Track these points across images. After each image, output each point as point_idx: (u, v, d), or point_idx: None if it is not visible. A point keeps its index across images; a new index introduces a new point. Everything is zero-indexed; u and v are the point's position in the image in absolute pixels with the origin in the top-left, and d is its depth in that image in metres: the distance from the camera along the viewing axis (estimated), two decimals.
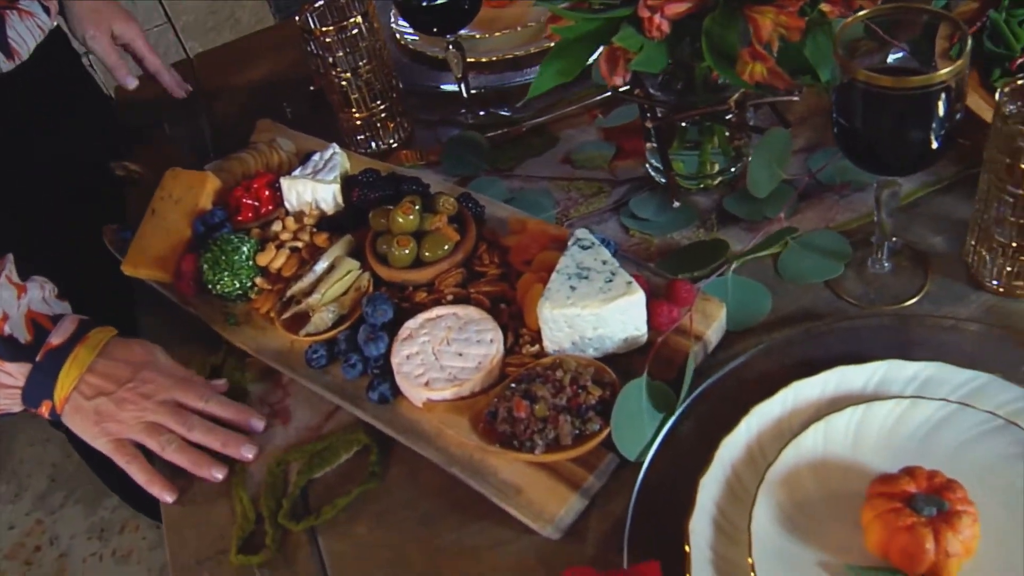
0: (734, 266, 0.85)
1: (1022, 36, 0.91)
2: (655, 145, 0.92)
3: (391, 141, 1.06)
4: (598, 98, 1.05)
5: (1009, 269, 0.79)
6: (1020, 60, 0.89)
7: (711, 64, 0.74)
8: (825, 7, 0.75)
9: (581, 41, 0.77)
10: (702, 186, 0.94)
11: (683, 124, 0.90)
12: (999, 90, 0.72)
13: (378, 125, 1.05)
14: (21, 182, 1.09)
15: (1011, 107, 0.73)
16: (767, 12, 0.72)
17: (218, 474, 0.80)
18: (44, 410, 0.84)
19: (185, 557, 0.76)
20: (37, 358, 0.83)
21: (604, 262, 0.77)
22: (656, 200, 0.93)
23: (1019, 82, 0.72)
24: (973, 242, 0.81)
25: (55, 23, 1.12)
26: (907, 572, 0.62)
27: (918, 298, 0.81)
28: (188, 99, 1.18)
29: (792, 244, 0.86)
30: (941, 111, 0.69)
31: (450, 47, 0.99)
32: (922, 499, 0.62)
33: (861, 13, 0.70)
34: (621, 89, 0.88)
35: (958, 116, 0.70)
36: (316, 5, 0.98)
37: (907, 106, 0.69)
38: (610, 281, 0.75)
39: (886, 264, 0.83)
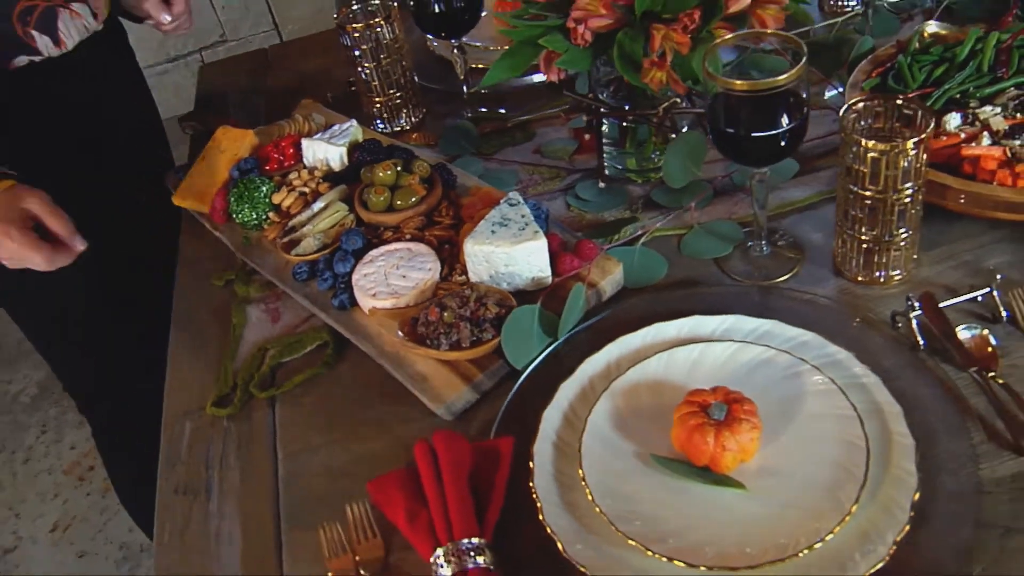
0: (643, 239, 1.04)
1: (919, 78, 1.08)
2: (606, 141, 1.12)
3: (404, 124, 1.29)
4: (566, 106, 1.26)
5: (862, 260, 0.95)
6: (911, 96, 1.06)
7: (619, 69, 0.94)
8: (716, 30, 0.94)
9: (526, 44, 0.98)
10: (649, 179, 1.13)
11: (626, 125, 1.10)
12: (843, 108, 0.90)
13: (393, 110, 1.28)
14: (84, 141, 1.28)
15: (861, 123, 0.91)
16: (661, 29, 0.91)
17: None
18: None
19: (175, 409, 0.99)
20: None
21: (523, 216, 0.97)
22: (597, 190, 1.12)
23: (860, 105, 0.90)
24: (837, 237, 0.98)
25: (102, 27, 1.28)
26: (694, 462, 0.80)
27: (786, 278, 0.99)
28: (252, 79, 1.44)
29: (696, 228, 1.04)
30: (786, 111, 0.87)
31: (455, 50, 1.22)
32: (714, 407, 0.79)
33: (727, 37, 0.89)
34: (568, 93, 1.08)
35: (803, 116, 0.88)
36: (353, 8, 1.22)
37: (759, 106, 0.87)
38: (522, 230, 0.95)
39: (765, 249, 1.00)
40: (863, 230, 0.93)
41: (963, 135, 1.00)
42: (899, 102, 0.90)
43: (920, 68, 1.09)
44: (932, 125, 0.87)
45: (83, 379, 1.48)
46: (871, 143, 0.86)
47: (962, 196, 0.96)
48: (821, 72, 1.20)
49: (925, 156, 0.87)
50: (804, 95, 0.88)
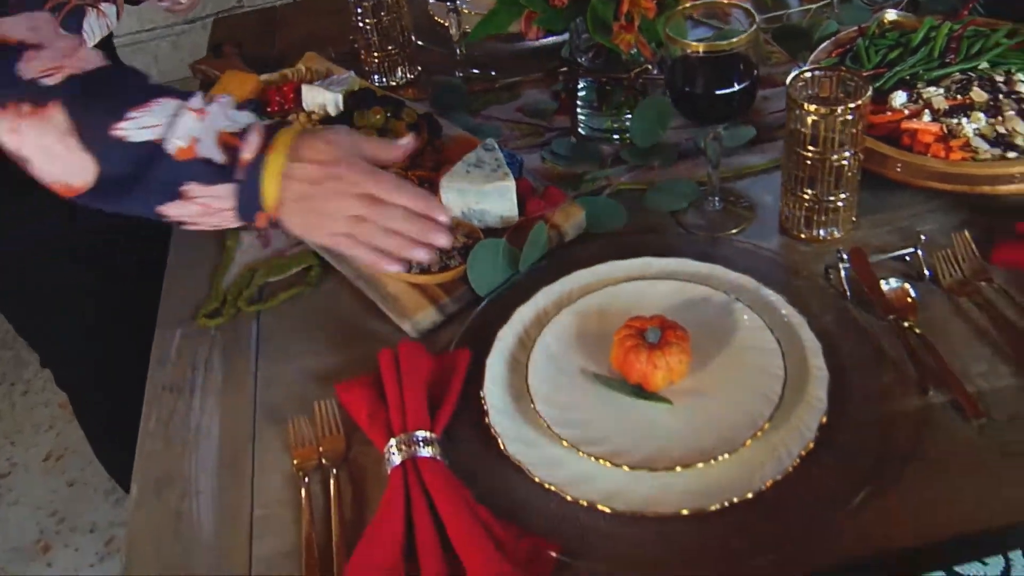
0: (607, 191, 1.13)
1: (874, 60, 1.16)
2: (580, 103, 1.20)
3: (399, 79, 1.38)
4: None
5: (804, 219, 1.04)
6: (866, 75, 1.14)
7: (591, 30, 1.03)
8: None
9: (509, 4, 1.07)
10: (619, 139, 1.22)
11: (601, 88, 1.19)
12: (791, 76, 0.98)
13: (390, 65, 1.37)
14: None
15: (807, 91, 0.99)
16: None
17: (423, 254, 0.93)
18: (263, 221, 0.92)
19: (167, 319, 1.08)
20: (236, 176, 0.89)
21: (496, 160, 1.06)
22: (571, 145, 1.21)
23: (806, 74, 0.98)
24: (783, 197, 1.06)
25: (117, 25, 1.29)
26: (628, 380, 0.88)
27: (735, 232, 1.07)
28: (262, 34, 1.53)
29: (658, 184, 1.13)
30: (738, 73, 0.96)
31: (450, 12, 1.31)
32: (650, 331, 0.88)
33: (688, 5, 0.98)
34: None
35: (754, 78, 0.96)
36: None
37: (714, 68, 0.96)
38: (495, 171, 1.04)
39: (718, 205, 1.09)
40: (805, 190, 1.01)
41: (907, 111, 1.09)
42: (841, 73, 0.98)
43: (876, 51, 1.17)
44: (868, 94, 0.95)
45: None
46: (812, 107, 0.95)
47: (899, 165, 1.04)
48: (789, 53, 1.28)
49: (861, 123, 0.96)
50: (754, 59, 0.96)
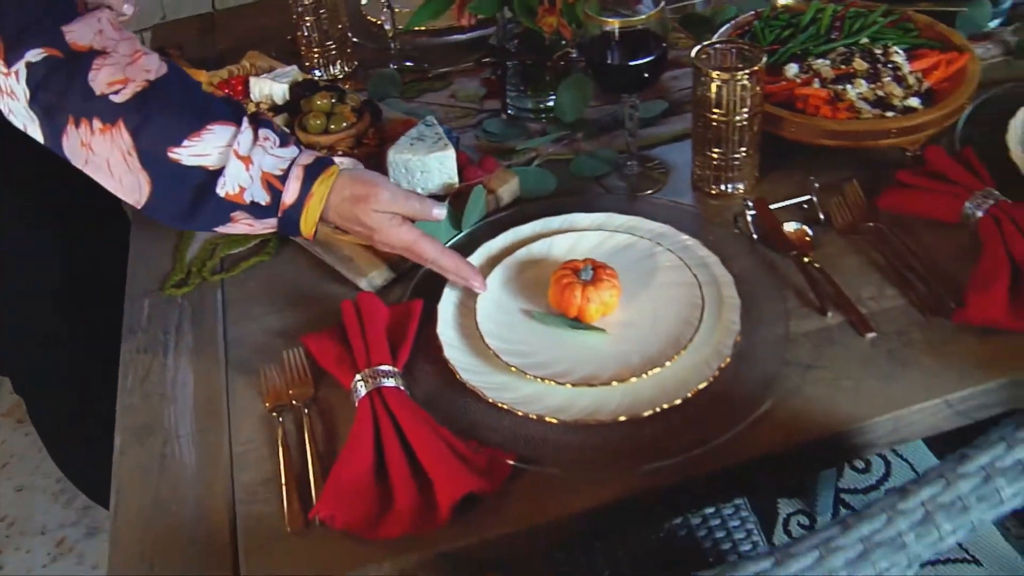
0: (536, 161, 1.24)
1: (769, 38, 1.30)
2: (508, 86, 1.32)
3: (338, 72, 1.48)
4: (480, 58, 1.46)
5: (713, 176, 1.17)
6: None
7: (518, 13, 1.15)
8: None
9: None
10: (545, 117, 1.33)
11: (527, 70, 1.30)
12: (695, 49, 1.11)
13: (329, 60, 1.47)
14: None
15: (711, 63, 1.12)
16: None
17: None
18: (300, 239, 1.06)
19: (135, 289, 1.16)
20: (279, 214, 1.01)
21: (437, 133, 1.16)
22: (502, 123, 1.33)
23: (710, 47, 1.12)
24: (694, 157, 1.19)
25: None
26: (566, 315, 1.00)
27: (652, 191, 1.20)
28: (201, 38, 1.62)
29: (582, 154, 1.25)
30: (648, 46, 1.08)
31: (385, 8, 1.42)
32: (583, 269, 1.00)
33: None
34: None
35: (662, 50, 1.09)
36: None
37: (627, 42, 1.08)
38: (436, 143, 1.14)
39: (636, 168, 1.22)
40: (713, 149, 1.14)
41: (799, 80, 1.23)
42: (739, 45, 1.12)
43: (771, 31, 1.31)
44: (763, 61, 1.09)
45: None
46: (715, 73, 1.08)
47: (793, 126, 1.18)
48: (695, 38, 1.42)
49: (758, 86, 1.09)
50: (661, 34, 1.09)
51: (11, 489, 2.12)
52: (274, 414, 0.97)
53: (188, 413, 1.00)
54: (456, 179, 1.16)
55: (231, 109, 1.00)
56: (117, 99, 0.95)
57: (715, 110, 1.10)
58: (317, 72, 1.48)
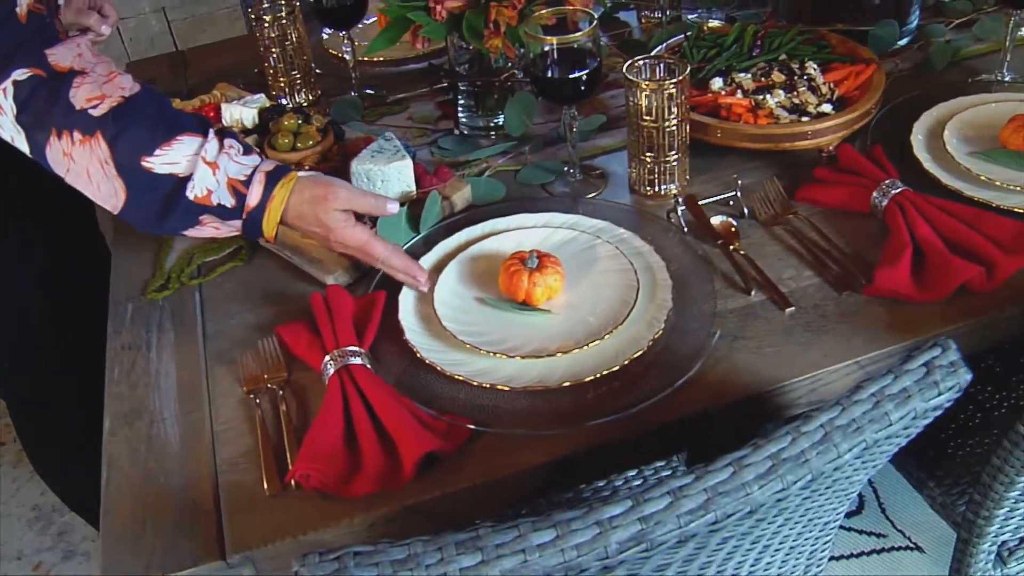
0: (487, 172, 1.36)
1: (697, 57, 1.43)
2: (460, 107, 1.44)
3: (302, 100, 1.59)
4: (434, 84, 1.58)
5: (647, 179, 1.29)
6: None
7: (467, 37, 1.27)
8: (536, 8, 1.27)
9: (398, 21, 1.30)
10: (494, 134, 1.45)
11: (477, 92, 1.42)
12: (627, 66, 1.24)
13: (294, 88, 1.58)
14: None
15: (641, 76, 1.25)
16: (495, 7, 1.25)
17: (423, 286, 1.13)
18: (263, 240, 1.14)
19: (118, 295, 1.25)
20: (243, 216, 1.10)
21: (395, 147, 1.27)
22: (455, 140, 1.44)
23: (639, 62, 1.24)
24: (630, 163, 1.31)
25: None
26: (514, 300, 1.10)
27: (593, 195, 1.31)
28: (173, 72, 1.73)
29: (529, 165, 1.37)
30: (584, 61, 1.20)
31: (345, 40, 1.54)
32: (529, 258, 1.10)
33: (542, 12, 1.22)
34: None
35: (597, 64, 1.21)
36: (264, 6, 1.53)
37: (565, 58, 1.20)
38: (394, 155, 1.25)
39: (578, 175, 1.33)
40: (646, 154, 1.26)
41: (723, 92, 1.36)
42: (665, 59, 1.25)
43: (699, 50, 1.45)
44: (687, 72, 1.21)
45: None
46: (645, 83, 1.21)
47: (719, 132, 1.30)
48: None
49: (684, 94, 1.22)
50: (596, 50, 1.21)
51: None
52: (251, 396, 1.06)
53: (172, 398, 1.09)
54: (414, 187, 1.26)
55: (198, 122, 1.10)
56: (95, 113, 1.05)
57: (646, 117, 1.22)
58: (284, 100, 1.59)
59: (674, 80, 1.20)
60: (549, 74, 1.22)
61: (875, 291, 1.09)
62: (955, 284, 1.08)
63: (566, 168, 1.34)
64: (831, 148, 1.30)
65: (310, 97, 1.60)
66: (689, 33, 1.49)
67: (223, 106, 1.45)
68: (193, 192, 1.07)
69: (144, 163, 1.06)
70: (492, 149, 1.38)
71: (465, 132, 1.46)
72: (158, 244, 1.33)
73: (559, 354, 1.03)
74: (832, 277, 1.13)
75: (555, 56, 1.21)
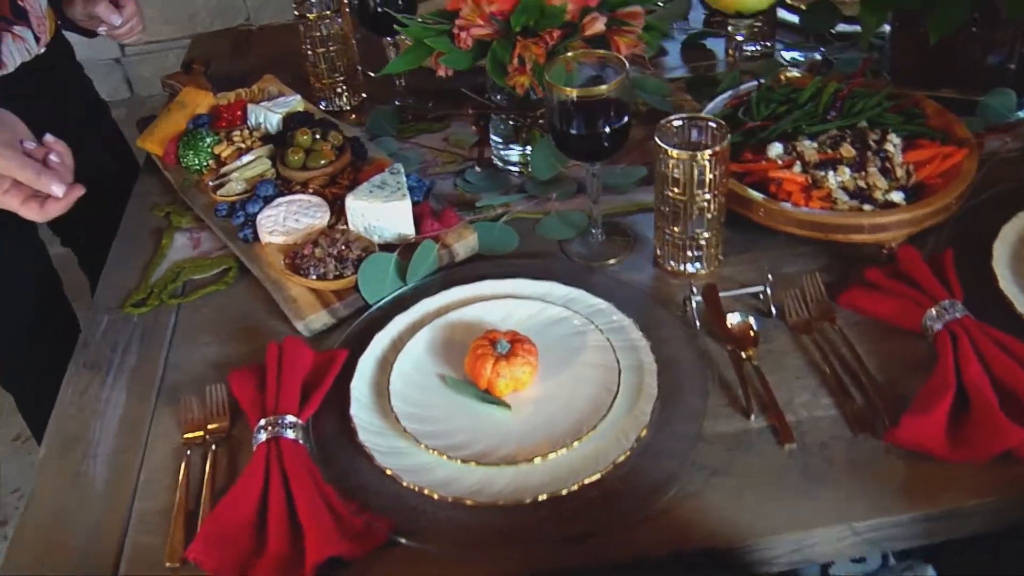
0: (504, 218, 1.24)
1: (763, 113, 1.26)
2: (496, 137, 1.32)
3: (344, 105, 1.50)
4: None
5: (672, 254, 1.14)
6: (751, 126, 1.24)
7: (490, 72, 1.14)
8: (572, 47, 1.13)
9: (421, 43, 1.18)
10: (527, 171, 1.32)
11: (513, 124, 1.30)
12: (659, 125, 1.08)
13: (335, 92, 1.49)
14: None
15: (675, 138, 1.09)
16: (523, 41, 1.11)
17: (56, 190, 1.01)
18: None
19: (98, 302, 1.21)
20: None
21: (399, 183, 1.17)
22: (483, 174, 1.32)
23: (673, 122, 1.09)
24: (655, 233, 1.16)
25: (43, 50, 1.38)
26: (478, 385, 0.99)
27: (611, 262, 1.17)
28: (233, 52, 1.66)
29: (552, 214, 1.24)
30: (609, 116, 1.06)
31: (390, 47, 1.43)
32: (500, 342, 0.99)
33: (568, 55, 1.08)
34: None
35: (624, 121, 1.07)
36: (310, 1, 1.44)
37: (590, 110, 1.07)
38: (394, 193, 1.15)
39: (599, 236, 1.19)
40: (672, 228, 1.12)
41: (780, 162, 1.18)
42: (705, 121, 1.09)
43: (767, 106, 1.27)
44: (727, 142, 1.06)
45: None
46: (675, 152, 1.05)
47: (762, 210, 1.14)
48: (696, 100, 1.39)
49: (721, 168, 1.06)
50: (626, 104, 1.07)
51: (28, 465, 2.22)
52: (184, 446, 1.00)
53: (111, 432, 1.03)
54: (411, 230, 1.16)
55: None
56: None
57: (674, 188, 1.07)
58: (323, 103, 1.50)
59: (710, 152, 1.04)
60: (569, 128, 1.08)
61: (898, 440, 0.92)
62: (998, 449, 0.90)
63: (589, 226, 1.20)
64: (893, 245, 1.12)
65: (352, 103, 1.51)
66: (763, 81, 1.31)
67: (249, 107, 1.38)
68: None
69: None
70: (513, 197, 1.25)
71: (497, 164, 1.34)
72: (154, 250, 1.27)
73: (503, 464, 0.91)
74: (852, 411, 0.97)
75: (578, 107, 1.07)
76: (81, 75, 1.58)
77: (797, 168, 1.17)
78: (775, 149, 1.20)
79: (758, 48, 1.53)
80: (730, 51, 1.53)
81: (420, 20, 1.20)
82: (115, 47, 3.27)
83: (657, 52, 1.50)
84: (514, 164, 1.32)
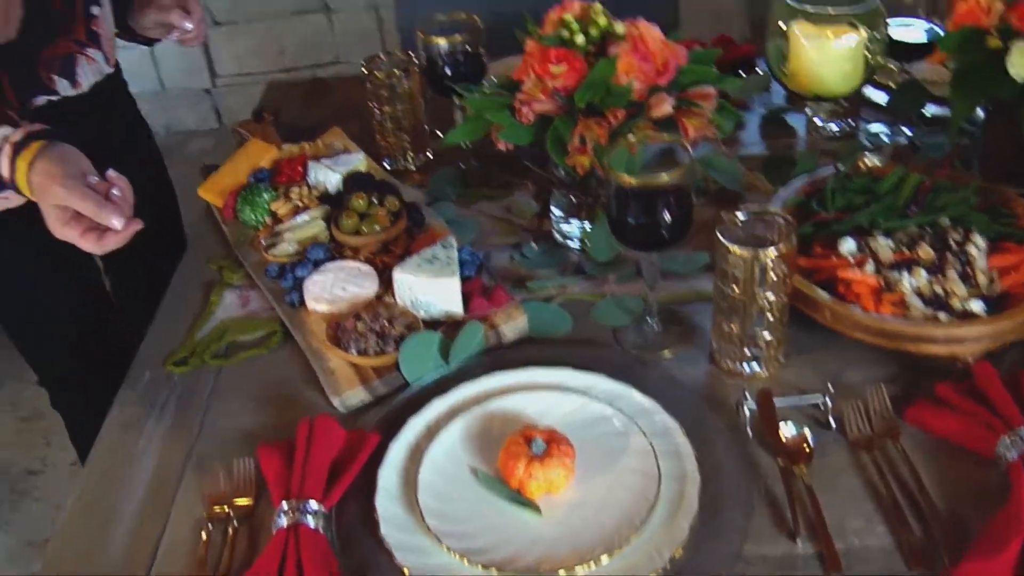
0: (558, 298, 1.19)
1: (839, 203, 1.19)
2: (556, 210, 1.28)
3: (408, 165, 1.48)
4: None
5: (729, 352, 1.08)
6: (822, 218, 1.18)
7: (550, 149, 1.11)
8: (638, 127, 1.09)
9: (480, 114, 1.15)
10: (586, 248, 1.28)
11: (574, 200, 1.25)
12: (721, 218, 1.03)
13: (400, 151, 1.47)
14: None
15: (738, 232, 1.04)
16: (585, 120, 1.07)
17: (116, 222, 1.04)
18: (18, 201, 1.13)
19: (142, 356, 1.20)
20: (6, 186, 1.10)
21: (450, 257, 1.14)
22: (541, 248, 1.28)
23: (735, 214, 1.03)
24: (713, 329, 1.10)
25: (112, 70, 1.45)
26: (509, 484, 0.94)
27: (666, 354, 1.12)
28: (306, 101, 1.66)
29: (608, 298, 1.19)
30: (672, 203, 1.01)
31: (456, 108, 1.40)
32: (535, 442, 0.94)
33: (631, 138, 1.04)
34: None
35: (686, 210, 1.02)
36: (380, 57, 1.43)
37: (650, 198, 1.02)
38: (444, 268, 1.12)
39: (655, 326, 1.14)
40: (731, 325, 1.06)
41: (852, 260, 1.11)
42: (771, 216, 1.03)
43: (843, 194, 1.20)
44: (793, 240, 1.00)
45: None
46: (735, 248, 1.00)
47: (828, 312, 1.07)
48: (770, 182, 1.33)
49: (784, 267, 1.00)
50: (689, 193, 1.02)
51: None
52: (208, 520, 0.97)
53: (137, 496, 1.02)
54: (459, 308, 1.12)
55: None
56: None
57: (733, 287, 1.02)
58: (386, 162, 1.48)
59: (775, 251, 0.99)
60: (626, 216, 1.03)
61: None
62: None
63: (645, 313, 1.15)
64: (969, 360, 1.04)
65: (416, 163, 1.49)
66: (841, 168, 1.25)
67: (310, 163, 1.37)
68: None
69: None
70: (568, 279, 1.21)
71: (556, 238, 1.29)
72: (203, 303, 1.26)
73: (525, 574, 0.86)
74: (909, 543, 0.89)
75: (637, 195, 1.02)
76: (125, 93, 1.61)
77: (869, 267, 1.10)
78: (847, 245, 1.13)
79: (839, 128, 1.46)
80: (811, 132, 1.46)
81: (481, 90, 1.16)
82: (206, 78, 3.35)
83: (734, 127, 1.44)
84: (573, 239, 1.28)
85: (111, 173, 1.08)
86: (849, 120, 1.48)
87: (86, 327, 1.56)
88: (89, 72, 1.39)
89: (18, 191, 1.10)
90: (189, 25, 1.41)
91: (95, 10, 1.37)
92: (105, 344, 1.56)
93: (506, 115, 1.12)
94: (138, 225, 1.07)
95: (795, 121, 1.52)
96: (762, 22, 1.49)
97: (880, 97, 1.53)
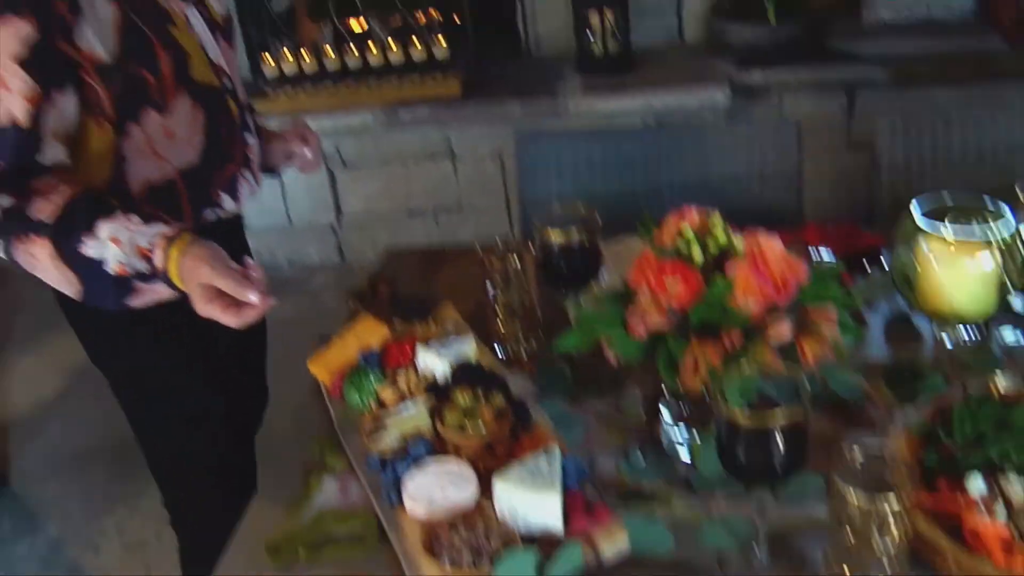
0: (661, 514, 1.14)
1: (967, 433, 1.12)
2: (666, 414, 1.24)
3: (520, 351, 1.47)
4: None
5: None
6: (948, 450, 1.11)
7: (660, 368, 1.08)
8: (755, 351, 1.05)
9: (591, 323, 1.14)
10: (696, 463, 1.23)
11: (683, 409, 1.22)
12: (840, 456, 0.98)
13: (513, 339, 1.46)
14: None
15: (851, 475, 0.98)
16: (699, 344, 1.04)
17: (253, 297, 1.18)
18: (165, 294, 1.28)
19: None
20: (159, 276, 1.24)
21: (552, 471, 1.11)
22: (648, 458, 1.24)
23: (854, 456, 0.98)
24: (825, 565, 1.03)
25: (261, 189, 1.64)
26: None
27: None
28: (422, 273, 1.69)
29: (715, 517, 1.14)
30: (780, 442, 0.97)
31: (566, 300, 1.40)
32: None
33: (744, 365, 1.00)
34: None
35: (800, 445, 0.98)
36: (496, 241, 1.44)
37: (759, 433, 0.98)
38: (546, 481, 1.09)
39: (763, 558, 1.08)
40: (844, 568, 0.99)
41: (980, 501, 1.04)
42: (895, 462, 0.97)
43: (972, 422, 1.13)
44: (911, 489, 0.93)
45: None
46: (852, 494, 0.94)
47: (954, 564, 1.00)
48: (895, 397, 1.26)
49: (904, 517, 0.94)
50: (805, 427, 0.97)
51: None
52: None
53: None
54: (559, 524, 1.09)
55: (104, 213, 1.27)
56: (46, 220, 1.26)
57: (848, 527, 0.96)
58: (498, 347, 1.48)
59: (896, 502, 0.93)
60: (735, 446, 0.99)
61: None
62: None
63: (752, 539, 1.09)
64: None
65: (527, 351, 1.48)
66: (971, 395, 1.18)
67: (419, 348, 1.37)
68: (112, 266, 1.25)
69: (84, 251, 1.25)
70: (677, 494, 1.17)
71: (664, 445, 1.25)
72: (302, 485, 1.26)
73: None
74: None
75: (747, 429, 0.98)
76: (240, 220, 1.72)
77: (1000, 513, 1.02)
78: (975, 484, 1.06)
79: (972, 338, 1.39)
80: (938, 340, 1.40)
81: (594, 296, 1.15)
82: (332, 214, 3.47)
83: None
84: (682, 444, 1.23)
85: (248, 260, 1.24)
86: (982, 328, 1.40)
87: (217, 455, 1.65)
88: (246, 191, 1.58)
89: (167, 279, 1.24)
90: (309, 153, 1.63)
91: (250, 140, 1.58)
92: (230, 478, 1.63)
93: (618, 329, 1.11)
94: (272, 302, 1.21)
95: (922, 321, 1.46)
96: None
97: (1018, 304, 1.45)
